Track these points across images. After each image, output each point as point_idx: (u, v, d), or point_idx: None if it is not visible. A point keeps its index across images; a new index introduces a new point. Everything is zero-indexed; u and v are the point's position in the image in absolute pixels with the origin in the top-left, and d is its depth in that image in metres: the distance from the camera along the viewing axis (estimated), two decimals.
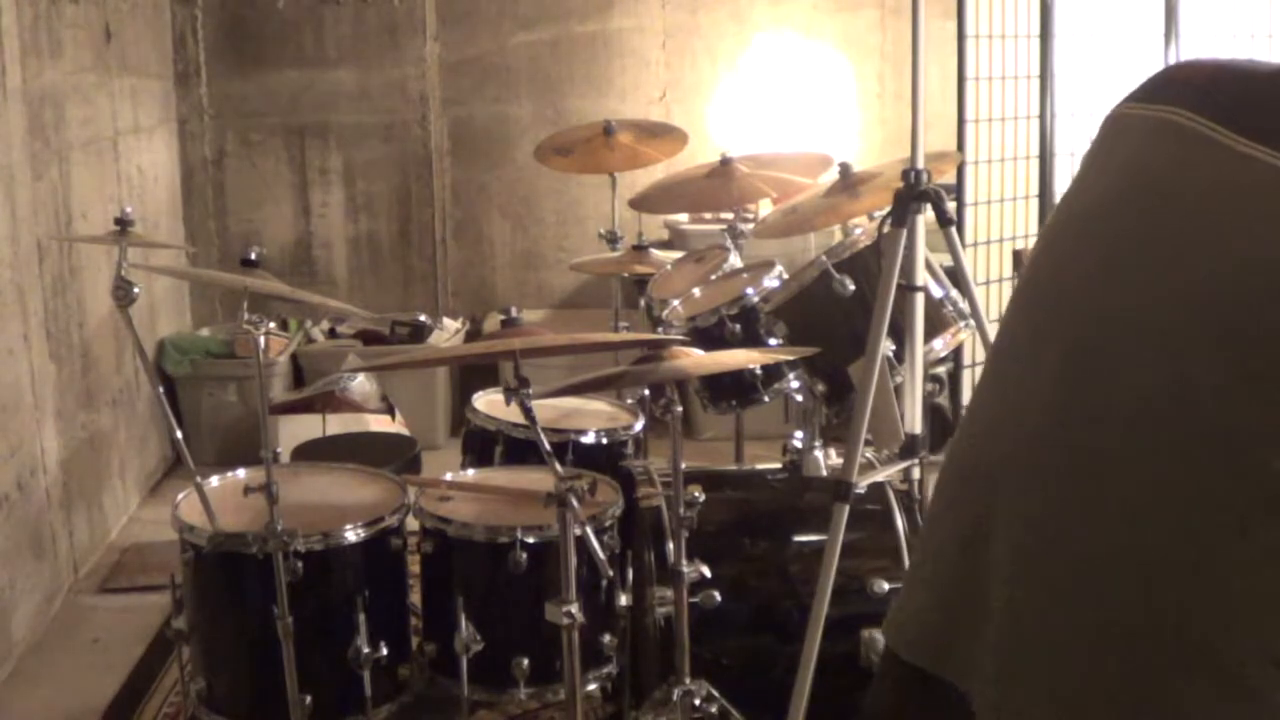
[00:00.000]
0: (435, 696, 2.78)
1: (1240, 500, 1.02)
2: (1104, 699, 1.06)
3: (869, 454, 2.81)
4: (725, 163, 3.57)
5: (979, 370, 4.31)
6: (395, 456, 4.13)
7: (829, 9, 5.40)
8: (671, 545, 2.47)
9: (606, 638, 2.74)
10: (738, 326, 2.89)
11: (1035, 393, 1.16)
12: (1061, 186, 4.42)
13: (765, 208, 4.37)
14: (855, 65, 5.43)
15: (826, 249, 2.86)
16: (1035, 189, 4.40)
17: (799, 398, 2.92)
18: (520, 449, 3.05)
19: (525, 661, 2.64)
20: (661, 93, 5.40)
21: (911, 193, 2.56)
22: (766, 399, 2.94)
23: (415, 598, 2.88)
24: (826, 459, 2.89)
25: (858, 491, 2.53)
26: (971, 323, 2.82)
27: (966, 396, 4.35)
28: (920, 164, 2.56)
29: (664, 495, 2.65)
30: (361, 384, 4.78)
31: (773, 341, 2.82)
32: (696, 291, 3.15)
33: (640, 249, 3.67)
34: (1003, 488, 1.16)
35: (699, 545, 2.46)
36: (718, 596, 2.55)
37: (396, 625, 2.76)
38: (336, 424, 4.56)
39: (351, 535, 2.62)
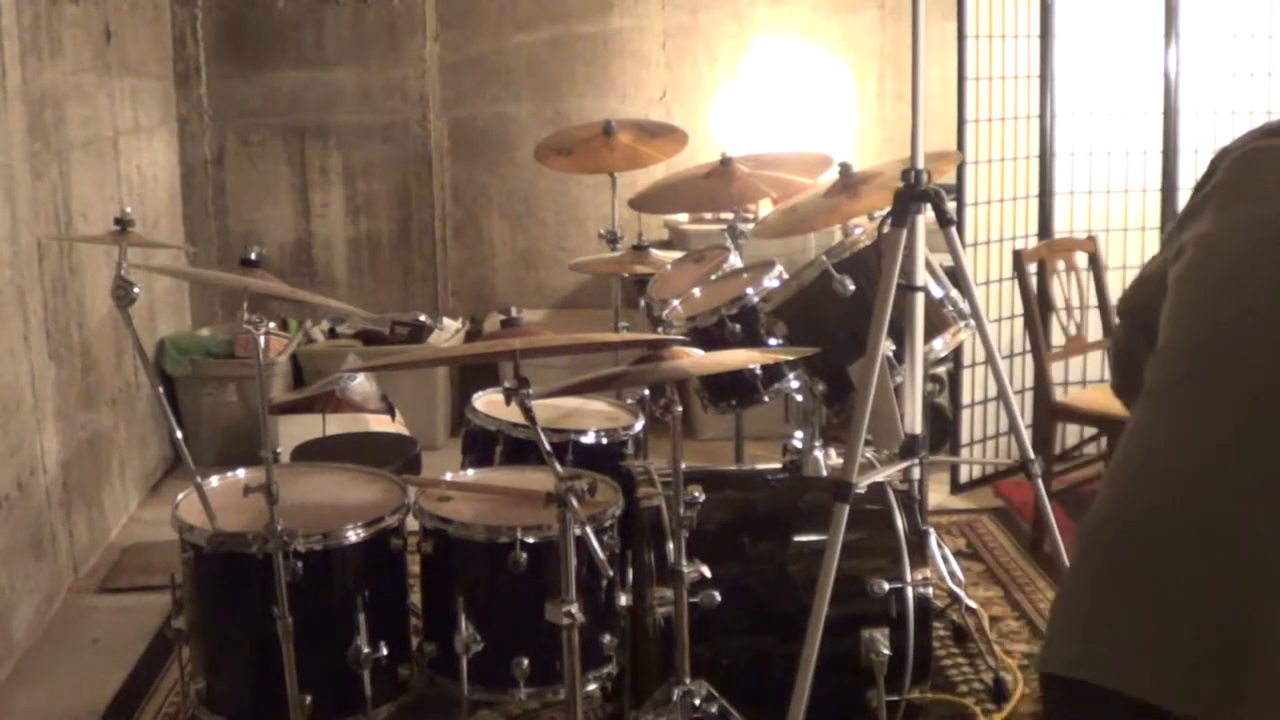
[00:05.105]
0: (435, 696, 2.78)
1: None
2: None
3: (869, 454, 2.81)
4: (725, 163, 3.57)
5: (979, 370, 4.31)
6: (395, 456, 4.12)
7: (829, 10, 5.40)
8: (671, 545, 2.47)
9: (606, 638, 2.74)
10: (738, 326, 2.89)
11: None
12: (1061, 186, 4.42)
13: (765, 208, 4.37)
14: (855, 66, 5.43)
15: (826, 249, 2.86)
16: (1035, 189, 4.40)
17: (799, 398, 2.92)
18: (520, 449, 3.05)
19: (525, 661, 2.64)
20: (661, 93, 5.40)
21: (911, 193, 2.56)
22: (766, 399, 2.95)
23: (415, 598, 2.88)
24: (826, 459, 2.89)
25: (858, 491, 2.53)
26: (971, 323, 2.82)
27: (966, 396, 4.35)
28: (920, 164, 2.56)
29: (664, 495, 2.65)
30: (361, 384, 4.77)
31: (773, 341, 2.82)
32: (696, 291, 3.15)
33: (640, 249, 3.67)
34: None
35: (699, 545, 2.46)
36: (718, 596, 2.55)
37: (396, 625, 2.76)
38: (336, 424, 4.55)
39: (351, 535, 2.62)
